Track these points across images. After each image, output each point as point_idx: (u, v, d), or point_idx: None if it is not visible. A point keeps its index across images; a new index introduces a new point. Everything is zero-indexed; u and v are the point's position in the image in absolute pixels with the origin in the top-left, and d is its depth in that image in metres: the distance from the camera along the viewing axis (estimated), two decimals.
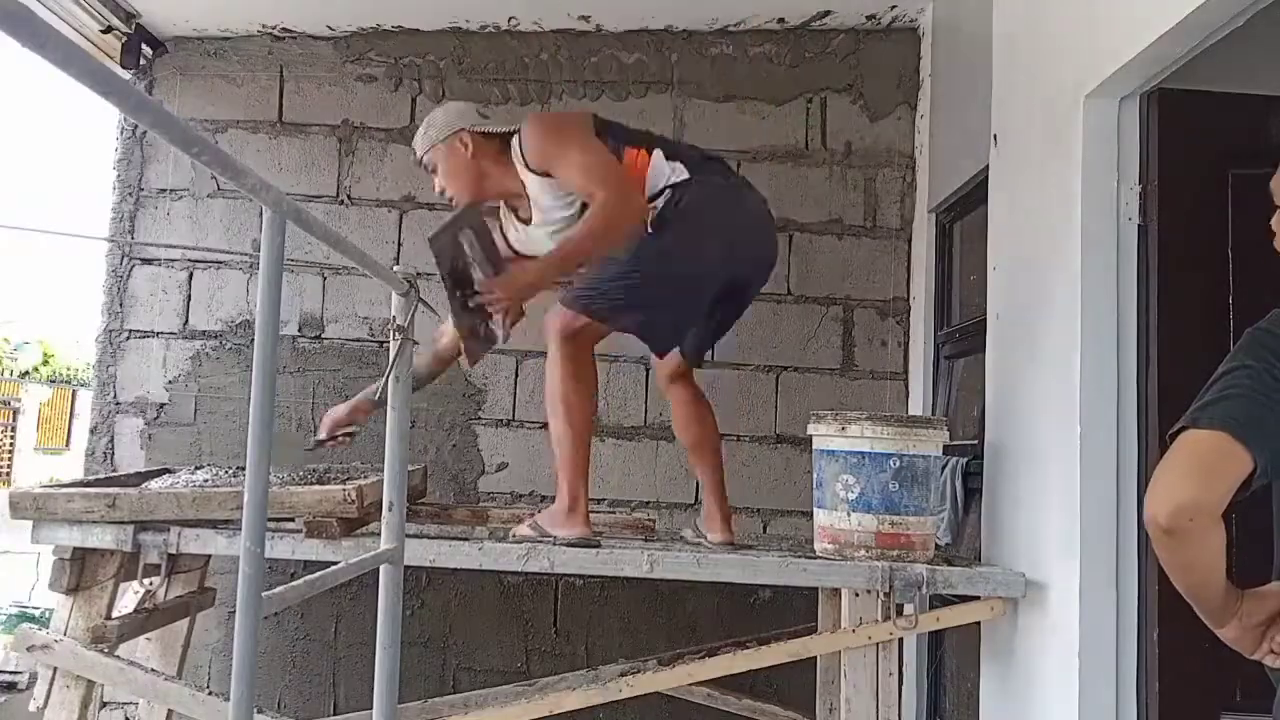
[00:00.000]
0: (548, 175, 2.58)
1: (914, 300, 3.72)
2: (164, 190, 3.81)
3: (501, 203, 2.76)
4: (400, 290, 1.78)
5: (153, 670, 2.71)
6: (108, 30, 3.60)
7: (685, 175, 2.54)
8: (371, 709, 1.78)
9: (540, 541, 2.50)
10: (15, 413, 18.02)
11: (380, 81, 3.85)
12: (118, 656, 2.59)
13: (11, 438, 17.80)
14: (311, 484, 2.65)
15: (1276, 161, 1.56)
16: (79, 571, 2.53)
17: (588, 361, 2.55)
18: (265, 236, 1.23)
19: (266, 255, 1.23)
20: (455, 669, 3.65)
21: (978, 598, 2.46)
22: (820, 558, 2.51)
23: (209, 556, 3.00)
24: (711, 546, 2.67)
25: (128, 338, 3.78)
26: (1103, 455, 2.20)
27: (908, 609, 2.45)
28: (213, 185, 3.79)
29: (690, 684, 2.85)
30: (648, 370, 3.59)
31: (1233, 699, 2.05)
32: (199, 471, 3.00)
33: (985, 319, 2.81)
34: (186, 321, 3.78)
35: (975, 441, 2.91)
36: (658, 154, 2.57)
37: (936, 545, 2.61)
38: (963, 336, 3.32)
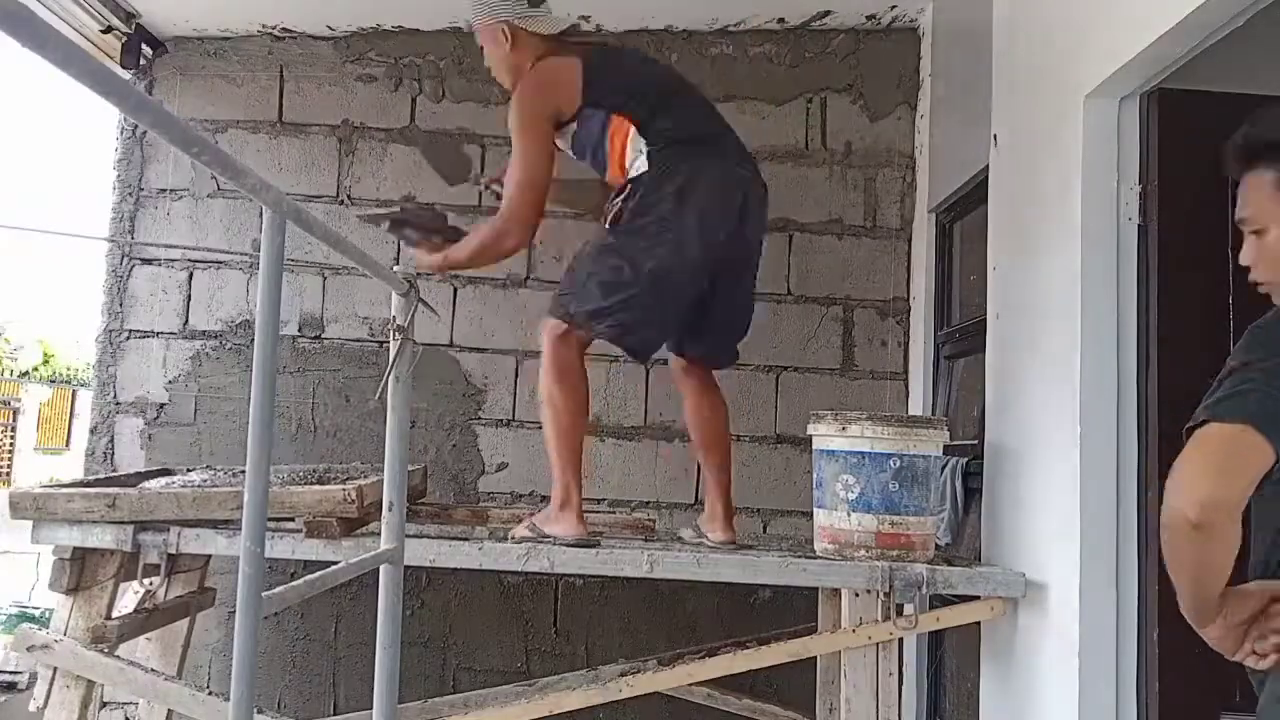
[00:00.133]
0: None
1: (914, 300, 3.72)
2: (164, 190, 3.81)
3: None
4: (400, 290, 1.79)
5: (153, 670, 2.71)
6: (108, 30, 3.60)
7: (644, 168, 2.52)
8: (371, 709, 1.78)
9: (540, 542, 2.50)
10: (15, 413, 18.04)
11: (380, 81, 3.84)
12: (118, 656, 2.59)
13: (11, 438, 17.82)
14: (311, 484, 2.65)
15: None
16: (79, 571, 2.54)
17: (575, 363, 2.56)
18: (265, 236, 1.24)
19: (266, 255, 1.23)
20: (455, 669, 3.65)
21: (978, 598, 2.47)
22: (820, 558, 2.51)
23: (209, 556, 3.00)
24: (712, 546, 2.67)
25: (128, 338, 3.78)
26: (1103, 455, 2.20)
27: (908, 609, 2.45)
28: (213, 185, 3.79)
29: (690, 684, 2.85)
30: (648, 371, 3.60)
31: (1232, 699, 2.05)
32: (192, 473, 3.00)
33: (985, 319, 2.81)
34: (186, 321, 3.78)
35: (975, 441, 2.91)
36: (633, 132, 2.56)
37: (936, 545, 2.62)
38: (963, 336, 3.32)
